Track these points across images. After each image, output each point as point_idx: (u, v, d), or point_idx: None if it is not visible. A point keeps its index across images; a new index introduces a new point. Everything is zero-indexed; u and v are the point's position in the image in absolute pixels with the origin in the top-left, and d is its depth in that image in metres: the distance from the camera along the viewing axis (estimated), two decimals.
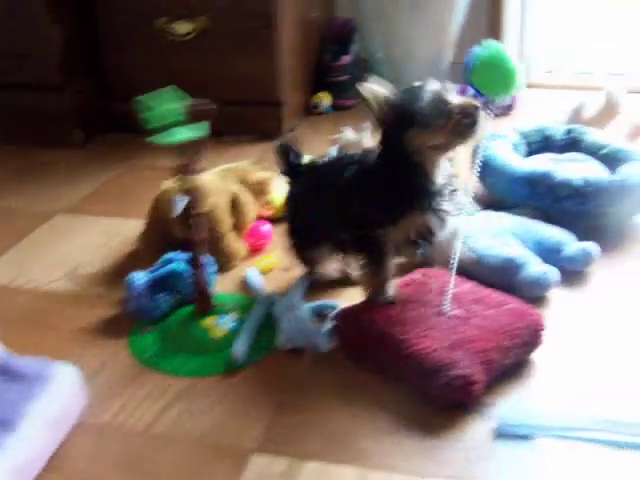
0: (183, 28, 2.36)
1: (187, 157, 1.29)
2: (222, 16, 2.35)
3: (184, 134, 1.21)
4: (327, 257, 1.51)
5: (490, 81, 1.28)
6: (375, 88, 1.25)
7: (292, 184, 1.56)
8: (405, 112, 1.23)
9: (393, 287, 1.35)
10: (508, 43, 2.85)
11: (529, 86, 2.95)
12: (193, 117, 1.24)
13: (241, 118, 2.46)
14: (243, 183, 1.72)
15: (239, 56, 2.38)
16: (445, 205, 1.28)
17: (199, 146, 1.27)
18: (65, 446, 1.14)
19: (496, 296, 1.34)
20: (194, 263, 1.36)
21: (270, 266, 1.61)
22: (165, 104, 1.23)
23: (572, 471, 1.06)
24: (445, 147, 1.25)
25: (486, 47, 1.32)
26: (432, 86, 1.24)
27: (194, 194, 1.31)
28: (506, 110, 2.66)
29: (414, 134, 1.23)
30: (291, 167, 1.55)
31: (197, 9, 2.35)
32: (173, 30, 2.37)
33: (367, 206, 1.30)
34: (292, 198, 1.56)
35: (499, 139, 1.92)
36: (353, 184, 1.34)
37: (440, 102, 1.22)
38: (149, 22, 2.38)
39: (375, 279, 1.34)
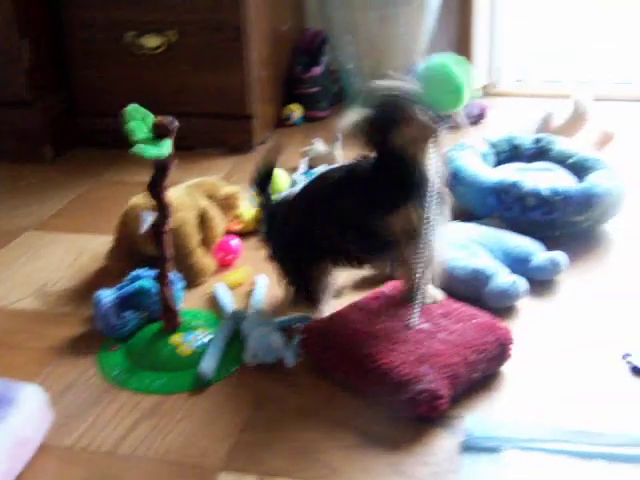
0: (152, 42, 2.36)
1: (154, 173, 1.28)
2: (191, 29, 2.34)
3: (148, 151, 1.20)
4: (330, 275, 1.43)
5: (434, 96, 1.27)
6: (349, 119, 1.26)
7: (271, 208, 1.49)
8: (379, 122, 1.25)
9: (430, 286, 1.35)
10: (477, 52, 2.88)
11: (499, 95, 2.98)
12: (157, 134, 1.23)
13: (212, 131, 2.46)
14: (211, 198, 1.71)
15: (209, 69, 2.38)
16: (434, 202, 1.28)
17: (166, 162, 1.26)
18: (30, 469, 1.13)
19: (464, 310, 1.34)
20: (161, 280, 1.35)
21: (239, 281, 1.60)
22: (130, 121, 1.22)
23: None
24: (422, 138, 1.25)
25: (427, 61, 1.31)
26: (390, 85, 1.27)
27: (162, 210, 1.30)
28: (476, 119, 2.67)
29: (393, 135, 1.23)
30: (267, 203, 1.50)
31: (166, 23, 2.34)
32: (142, 44, 2.36)
33: (366, 199, 1.29)
34: (276, 219, 1.47)
35: (468, 149, 1.93)
36: (349, 183, 1.33)
37: (400, 101, 1.24)
38: (118, 36, 2.37)
39: (407, 272, 1.33)
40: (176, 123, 1.24)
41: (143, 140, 1.22)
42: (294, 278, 1.44)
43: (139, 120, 1.23)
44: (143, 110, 1.25)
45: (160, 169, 1.27)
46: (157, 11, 2.33)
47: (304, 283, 1.42)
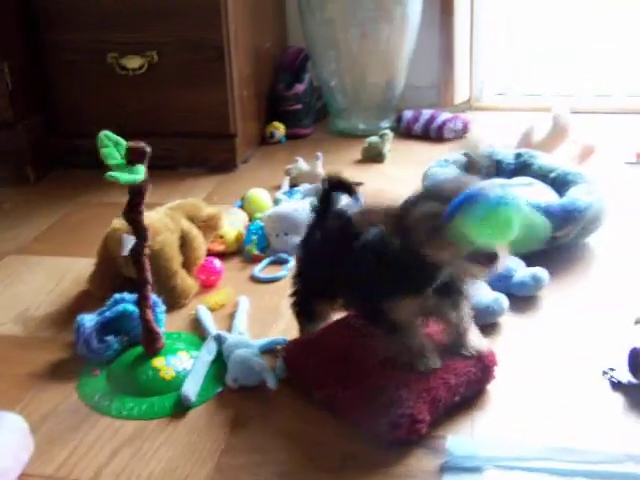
0: (133, 63, 2.36)
1: (130, 198, 1.28)
2: (172, 50, 2.35)
3: (123, 177, 1.20)
4: (331, 313, 1.39)
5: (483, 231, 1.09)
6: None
7: (314, 229, 1.40)
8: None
9: (431, 352, 1.26)
10: (459, 66, 2.89)
11: (481, 109, 3.00)
12: (130, 159, 1.23)
13: (194, 151, 2.46)
14: (192, 219, 1.71)
15: (191, 89, 2.39)
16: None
17: (141, 187, 1.26)
18: None
19: None
20: (141, 303, 1.35)
21: (221, 302, 1.60)
22: (103, 147, 1.22)
23: None
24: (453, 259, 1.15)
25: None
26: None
27: (139, 234, 1.30)
28: (460, 134, 2.68)
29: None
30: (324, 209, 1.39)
31: (147, 43, 2.35)
32: (123, 65, 2.36)
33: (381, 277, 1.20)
34: (313, 247, 1.39)
35: (448, 165, 1.94)
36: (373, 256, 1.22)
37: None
38: (99, 58, 2.38)
39: (402, 347, 1.25)
40: (148, 148, 1.24)
41: (117, 166, 1.21)
42: (300, 299, 1.41)
43: (112, 146, 1.23)
44: (115, 136, 1.24)
45: (135, 194, 1.27)
46: (138, 32, 2.34)
47: (305, 309, 1.41)
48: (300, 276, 1.42)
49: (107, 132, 1.24)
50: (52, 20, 2.39)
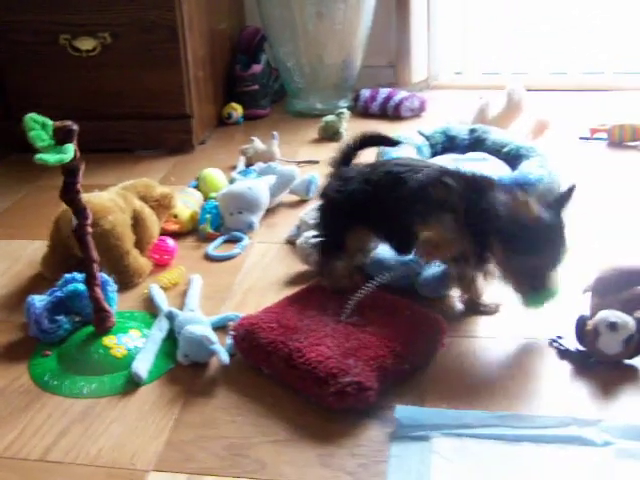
0: (86, 44, 2.34)
1: (65, 179, 1.27)
2: (126, 31, 2.33)
3: (51, 158, 1.19)
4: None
5: None
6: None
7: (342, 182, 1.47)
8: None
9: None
10: (416, 45, 2.89)
11: (439, 87, 3.00)
12: (58, 140, 1.21)
13: (151, 132, 2.45)
14: (145, 199, 1.70)
15: (146, 70, 2.37)
16: None
17: (74, 166, 1.25)
18: None
19: (396, 302, 1.35)
20: (89, 282, 1.34)
21: (174, 281, 1.59)
22: (30, 130, 1.21)
23: (467, 468, 1.07)
24: None
25: None
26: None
27: (79, 214, 1.29)
28: (417, 112, 2.69)
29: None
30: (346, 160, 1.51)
31: (99, 25, 2.32)
32: (76, 47, 2.34)
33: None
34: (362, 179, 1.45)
35: (403, 142, 1.94)
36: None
37: None
38: (51, 39, 2.35)
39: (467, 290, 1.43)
40: (75, 127, 1.23)
41: (45, 148, 1.20)
42: (328, 232, 1.48)
43: (39, 129, 1.21)
44: (41, 118, 1.23)
45: (69, 174, 1.26)
46: (90, 13, 2.32)
47: (333, 241, 1.46)
48: (325, 220, 1.49)
49: (33, 115, 1.22)
50: (1, 1, 2.35)
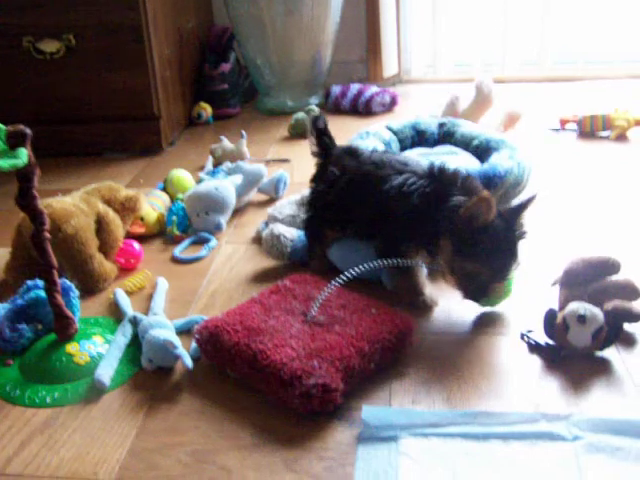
0: (50, 47, 2.30)
1: (20, 184, 1.24)
2: (90, 33, 2.30)
3: (3, 163, 1.16)
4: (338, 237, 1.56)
5: None
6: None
7: (334, 164, 1.53)
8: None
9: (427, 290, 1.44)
10: (387, 40, 2.87)
11: (411, 82, 2.99)
12: (11, 144, 1.18)
13: (120, 135, 2.42)
14: (109, 202, 1.67)
15: (112, 72, 2.34)
16: None
17: (29, 171, 1.22)
18: None
19: (362, 300, 1.33)
20: (48, 288, 1.31)
21: (139, 284, 1.57)
22: None
23: (435, 469, 1.05)
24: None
25: None
26: None
27: (36, 220, 1.26)
28: (388, 107, 2.67)
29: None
30: (323, 142, 1.56)
31: (62, 27, 2.29)
32: (40, 49, 2.30)
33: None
34: (336, 180, 1.51)
35: (371, 137, 1.92)
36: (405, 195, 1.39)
37: None
38: (14, 42, 2.31)
39: (407, 283, 1.43)
40: (28, 130, 1.20)
41: None
42: (311, 229, 1.58)
43: None
44: None
45: (24, 179, 1.23)
46: (53, 15, 2.28)
47: (317, 238, 1.57)
48: (313, 205, 1.57)
49: None
50: None
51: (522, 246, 1.32)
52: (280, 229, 1.60)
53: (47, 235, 1.28)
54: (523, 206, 1.32)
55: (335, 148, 1.57)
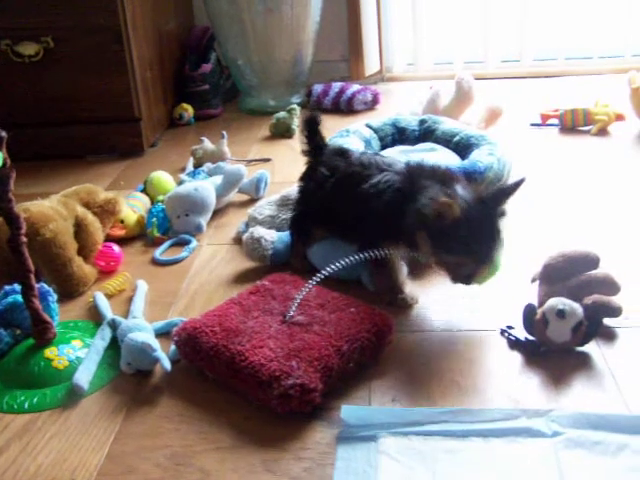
0: (29, 49, 2.29)
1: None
2: (69, 35, 2.28)
3: None
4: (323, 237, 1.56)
5: None
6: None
7: (321, 164, 1.52)
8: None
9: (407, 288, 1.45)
10: (368, 38, 2.87)
11: (393, 79, 2.99)
12: None
13: (100, 137, 2.40)
14: (88, 205, 1.66)
15: (91, 74, 2.32)
16: None
17: (4, 175, 1.21)
18: None
19: (341, 299, 1.32)
20: (25, 292, 1.30)
21: (119, 287, 1.56)
22: None
23: (415, 467, 1.05)
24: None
25: None
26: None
27: (12, 224, 1.25)
28: (370, 105, 2.67)
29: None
30: (315, 143, 1.55)
31: (41, 29, 2.27)
32: (18, 52, 2.29)
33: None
34: (325, 181, 1.50)
35: (350, 135, 1.92)
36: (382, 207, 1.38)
37: None
38: None
39: (386, 281, 1.43)
40: (4, 133, 1.19)
41: None
42: (297, 227, 1.59)
43: None
44: None
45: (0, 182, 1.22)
46: (31, 17, 2.26)
47: (302, 237, 1.58)
48: (301, 204, 1.58)
49: None
50: None
51: (504, 225, 1.31)
52: (260, 232, 1.59)
53: (24, 239, 1.27)
54: (508, 191, 1.31)
55: (326, 148, 1.56)
